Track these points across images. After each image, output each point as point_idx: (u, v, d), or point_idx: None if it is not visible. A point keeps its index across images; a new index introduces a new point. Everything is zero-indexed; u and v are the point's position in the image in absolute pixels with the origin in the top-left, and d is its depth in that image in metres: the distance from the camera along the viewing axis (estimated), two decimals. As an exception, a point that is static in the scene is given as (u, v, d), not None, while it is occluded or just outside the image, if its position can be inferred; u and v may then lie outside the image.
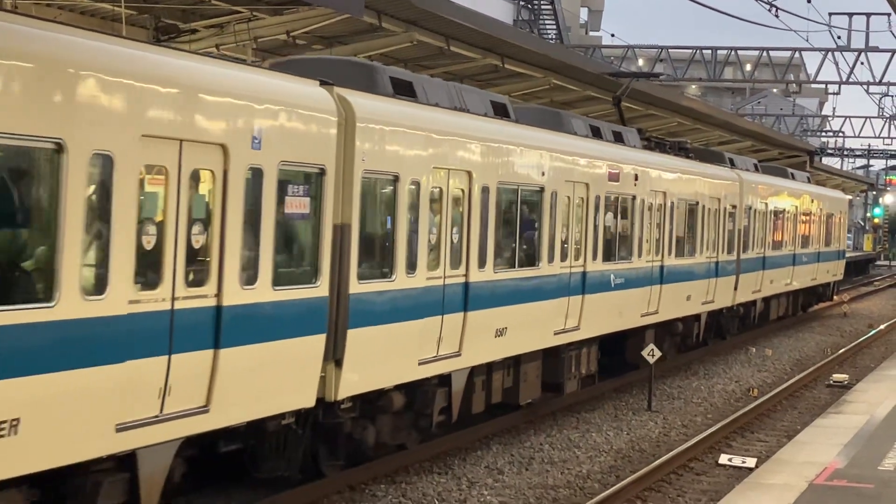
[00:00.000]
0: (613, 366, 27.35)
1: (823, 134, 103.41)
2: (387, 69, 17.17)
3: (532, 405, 22.37)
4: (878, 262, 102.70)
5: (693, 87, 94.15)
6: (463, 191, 17.99)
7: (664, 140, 30.87)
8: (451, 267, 17.71)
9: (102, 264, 11.19)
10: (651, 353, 25.03)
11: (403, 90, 17.14)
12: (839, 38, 53.00)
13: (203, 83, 12.44)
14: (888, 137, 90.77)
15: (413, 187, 16.49)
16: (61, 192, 10.66)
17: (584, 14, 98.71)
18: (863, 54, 52.33)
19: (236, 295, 12.95)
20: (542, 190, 20.68)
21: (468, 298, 18.14)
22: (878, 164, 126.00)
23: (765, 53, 53.45)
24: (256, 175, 13.23)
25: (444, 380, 18.06)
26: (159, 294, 11.92)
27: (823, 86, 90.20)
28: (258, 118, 13.21)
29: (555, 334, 21.62)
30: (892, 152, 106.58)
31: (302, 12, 22.20)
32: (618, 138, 25.70)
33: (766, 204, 37.36)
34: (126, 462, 11.92)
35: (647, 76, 35.57)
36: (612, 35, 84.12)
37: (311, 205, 14.38)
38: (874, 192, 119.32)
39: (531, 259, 20.57)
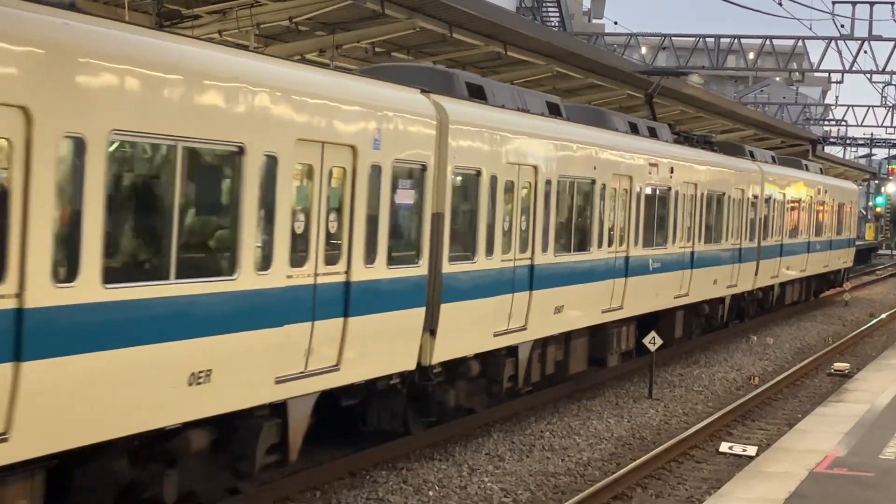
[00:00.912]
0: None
1: (826, 123, 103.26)
2: (461, 74, 19.58)
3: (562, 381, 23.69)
4: (880, 252, 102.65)
5: (695, 75, 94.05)
6: (530, 183, 20.30)
7: (692, 134, 32.86)
8: (519, 251, 20.02)
9: (268, 245, 13.67)
10: (652, 340, 25.05)
11: (476, 93, 19.44)
12: (842, 26, 52.92)
13: (339, 94, 14.93)
14: (891, 126, 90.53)
15: (491, 181, 18.83)
16: (242, 186, 13.14)
17: (587, 2, 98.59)
18: (866, 43, 52.23)
19: (361, 272, 15.50)
20: (593, 182, 23.03)
21: (533, 279, 20.46)
22: (880, 153, 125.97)
23: (768, 42, 53.35)
24: (376, 171, 15.77)
25: (512, 351, 20.25)
26: (306, 270, 14.43)
27: (826, 74, 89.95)
28: (378, 122, 15.71)
29: (602, 312, 24.01)
30: (895, 141, 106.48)
31: (305, -2, 22.18)
32: (652, 133, 27.70)
33: (784, 194, 39.62)
34: (278, 410, 14.30)
35: (675, 73, 37.02)
36: (616, 23, 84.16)
37: (415, 196, 16.91)
38: (876, 182, 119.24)
39: (584, 245, 22.90)
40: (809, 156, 57.77)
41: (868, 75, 56.77)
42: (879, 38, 51.83)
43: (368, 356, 15.79)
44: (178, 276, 12.18)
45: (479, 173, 18.38)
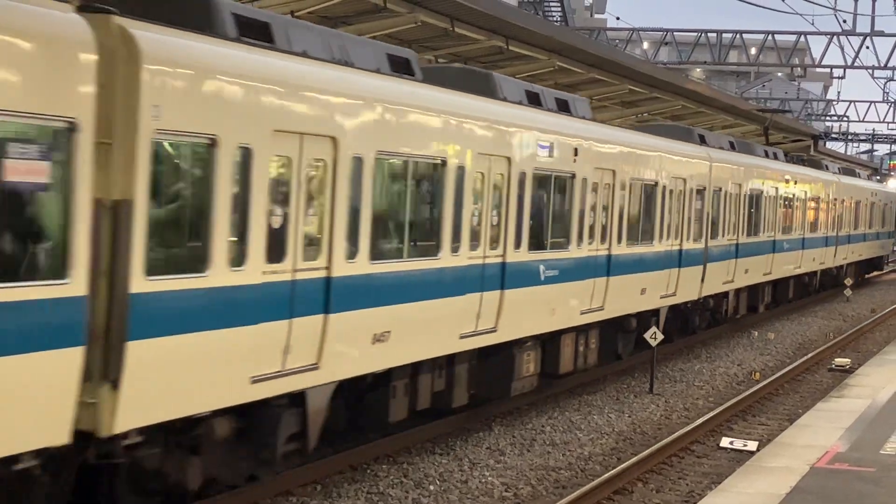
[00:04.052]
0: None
1: (828, 118, 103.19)
2: (694, 128, 31.67)
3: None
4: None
5: (697, 70, 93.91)
6: (738, 195, 32.69)
7: (792, 154, 46.80)
8: (731, 234, 32.52)
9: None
10: (653, 335, 25.04)
11: (702, 140, 31.30)
12: (845, 21, 52.92)
13: (684, 152, 27.98)
14: (893, 122, 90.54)
15: (726, 195, 31.53)
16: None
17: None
18: (868, 38, 52.21)
19: (685, 245, 27.67)
20: (762, 192, 35.55)
21: (738, 251, 33.01)
22: (882, 149, 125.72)
23: (770, 37, 53.34)
24: (691, 191, 28.12)
25: (726, 294, 33.43)
26: (668, 242, 27.34)
27: (828, 70, 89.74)
28: (690, 163, 28.14)
29: (763, 275, 36.36)
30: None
31: (307, -8, 22.17)
32: (775, 157, 39.79)
33: (851, 197, 52.15)
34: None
35: (782, 112, 49.97)
36: (618, 18, 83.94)
37: (700, 205, 29.09)
38: (878, 177, 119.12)
39: (756, 231, 35.07)
40: (811, 151, 57.84)
41: (870, 71, 56.74)
42: (882, 34, 51.82)
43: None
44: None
45: (719, 190, 30.87)
